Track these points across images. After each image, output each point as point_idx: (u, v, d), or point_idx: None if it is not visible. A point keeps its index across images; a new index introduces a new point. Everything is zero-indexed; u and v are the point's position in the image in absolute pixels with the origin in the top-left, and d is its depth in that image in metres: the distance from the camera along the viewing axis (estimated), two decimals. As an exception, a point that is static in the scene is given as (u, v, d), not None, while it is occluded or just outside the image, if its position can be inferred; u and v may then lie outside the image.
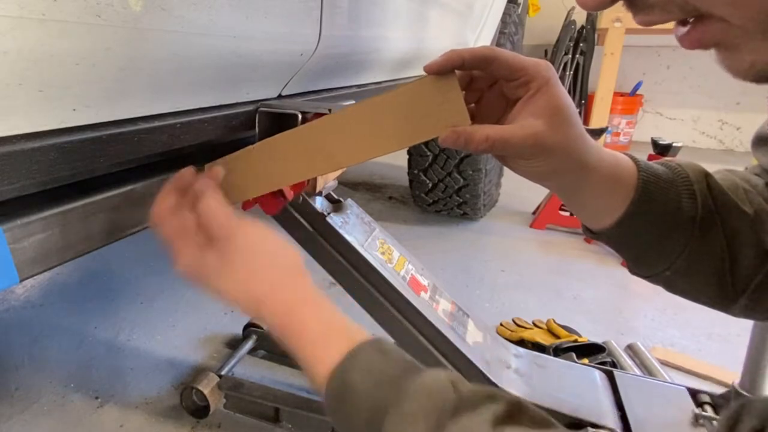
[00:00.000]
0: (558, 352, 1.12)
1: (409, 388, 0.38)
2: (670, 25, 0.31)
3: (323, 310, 0.45)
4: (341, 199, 0.88)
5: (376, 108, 0.48)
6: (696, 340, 1.29)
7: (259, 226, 0.48)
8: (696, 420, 0.81)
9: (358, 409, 0.38)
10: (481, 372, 0.79)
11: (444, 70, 0.44)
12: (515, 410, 0.36)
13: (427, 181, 1.98)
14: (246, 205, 0.66)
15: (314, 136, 0.51)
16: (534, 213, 2.13)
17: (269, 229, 0.49)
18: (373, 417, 0.37)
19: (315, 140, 0.51)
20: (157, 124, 0.47)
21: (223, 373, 0.99)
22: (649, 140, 1.99)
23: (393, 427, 0.36)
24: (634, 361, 1.15)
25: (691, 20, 0.29)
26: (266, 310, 0.45)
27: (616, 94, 3.41)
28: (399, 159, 2.28)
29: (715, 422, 0.80)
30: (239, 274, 0.46)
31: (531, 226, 2.03)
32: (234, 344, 1.18)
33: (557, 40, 3.58)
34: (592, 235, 0.52)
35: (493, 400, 0.36)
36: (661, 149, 1.90)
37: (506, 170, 2.30)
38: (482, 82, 0.48)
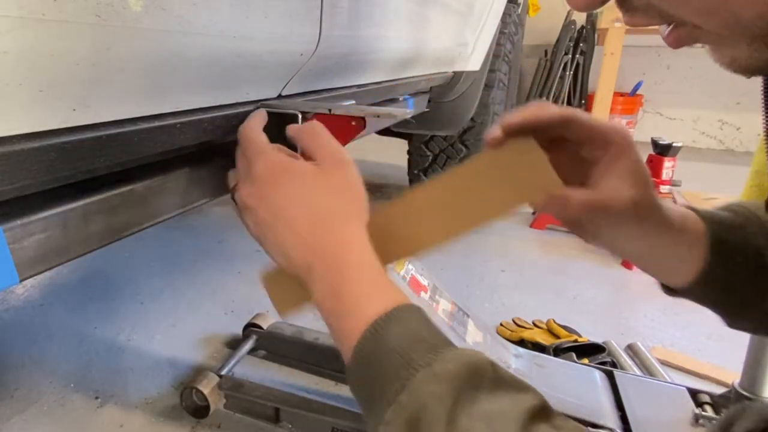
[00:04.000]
0: (558, 352, 1.12)
1: (446, 353, 0.35)
2: None
3: (376, 259, 0.42)
4: (341, 199, 0.88)
5: (461, 179, 0.46)
6: (696, 340, 1.29)
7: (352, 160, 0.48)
8: (696, 420, 0.81)
9: (389, 362, 0.35)
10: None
11: (522, 130, 0.43)
12: (547, 410, 0.34)
13: (427, 181, 1.98)
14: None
15: (400, 219, 0.48)
16: (534, 213, 2.13)
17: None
18: (400, 372, 0.34)
19: (401, 223, 0.48)
20: (157, 124, 0.47)
21: (223, 373, 0.99)
22: (649, 140, 1.99)
23: (421, 384, 0.33)
24: (634, 361, 1.15)
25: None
26: (328, 230, 0.42)
27: (616, 94, 3.41)
28: (399, 159, 2.28)
29: (713, 422, 0.80)
30: (329, 184, 0.45)
31: (531, 226, 2.03)
32: (234, 344, 1.18)
33: (557, 40, 3.58)
34: (674, 293, 0.50)
35: (529, 392, 0.34)
36: (661, 149, 1.90)
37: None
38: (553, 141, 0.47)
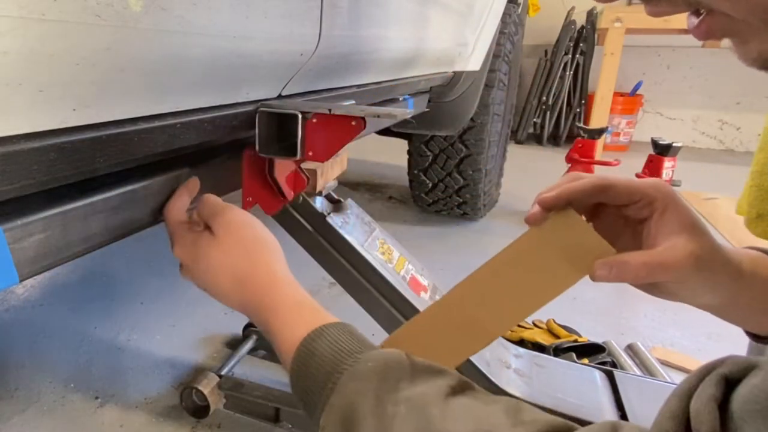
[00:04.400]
0: (558, 352, 1.12)
1: (366, 355, 0.39)
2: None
3: (297, 291, 0.49)
4: (341, 199, 0.88)
5: (513, 263, 0.45)
6: (696, 340, 1.29)
7: (244, 212, 0.54)
8: (696, 420, 0.81)
9: (317, 372, 0.40)
10: (481, 372, 0.79)
11: (557, 205, 0.44)
12: (466, 386, 0.38)
13: (427, 181, 1.98)
14: (246, 205, 0.67)
15: (462, 312, 0.47)
16: (534, 213, 2.12)
17: (252, 216, 0.54)
18: (329, 379, 0.39)
19: (464, 317, 0.47)
20: (157, 124, 0.47)
21: (223, 373, 0.99)
22: (649, 140, 1.99)
23: (346, 385, 0.37)
24: (634, 361, 1.16)
25: (702, 11, 0.30)
26: (247, 285, 0.49)
27: (616, 94, 3.41)
28: (399, 159, 2.28)
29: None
30: (228, 248, 0.50)
31: (531, 226, 2.02)
32: (234, 344, 1.18)
33: (557, 40, 3.58)
34: (765, 341, 0.49)
35: (446, 374, 0.38)
36: (661, 149, 1.91)
37: (506, 170, 2.30)
38: (586, 207, 0.47)
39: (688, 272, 0.41)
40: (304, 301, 0.48)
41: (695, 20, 0.30)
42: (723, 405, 0.27)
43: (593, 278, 0.42)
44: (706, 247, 0.41)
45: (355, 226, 0.85)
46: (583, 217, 0.47)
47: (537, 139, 3.81)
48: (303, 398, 0.42)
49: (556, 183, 0.45)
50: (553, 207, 0.44)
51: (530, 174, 2.85)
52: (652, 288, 0.45)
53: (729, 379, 0.28)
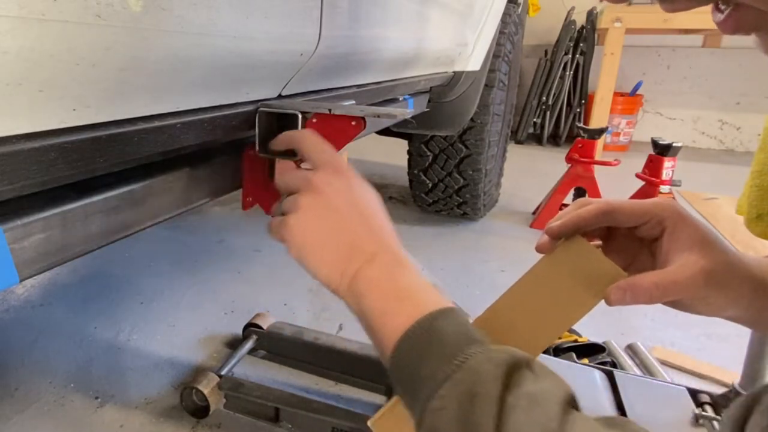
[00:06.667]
0: (558, 352, 1.12)
1: (496, 347, 0.39)
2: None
3: (412, 270, 0.47)
4: (341, 199, 0.88)
5: (529, 293, 0.46)
6: (696, 340, 1.29)
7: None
8: (696, 420, 0.81)
9: (443, 349, 0.39)
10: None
11: (564, 233, 0.44)
12: (577, 401, 0.38)
13: (427, 181, 1.98)
14: (246, 205, 0.67)
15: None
16: (534, 213, 2.13)
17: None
18: (454, 357, 0.38)
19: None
20: (157, 124, 0.47)
21: (223, 373, 0.99)
22: (649, 140, 1.99)
23: (480, 365, 0.37)
24: (634, 361, 1.16)
25: (723, 7, 0.29)
26: (387, 235, 0.48)
27: (616, 94, 3.41)
28: (399, 159, 2.28)
29: (715, 422, 0.80)
30: (347, 191, 0.50)
31: (531, 226, 2.03)
32: (234, 344, 1.18)
33: (557, 40, 3.58)
34: None
35: (565, 384, 0.38)
36: (661, 149, 1.90)
37: (506, 170, 2.30)
38: (600, 231, 0.47)
39: (702, 288, 0.41)
40: (419, 280, 0.46)
41: (721, 15, 0.30)
42: None
43: (608, 303, 0.42)
44: (718, 262, 0.41)
45: (355, 226, 0.85)
46: (599, 242, 0.48)
47: (537, 139, 3.81)
48: (408, 367, 0.40)
49: (563, 211, 0.46)
50: (560, 235, 0.45)
51: (530, 174, 2.85)
52: (676, 305, 0.45)
53: None
